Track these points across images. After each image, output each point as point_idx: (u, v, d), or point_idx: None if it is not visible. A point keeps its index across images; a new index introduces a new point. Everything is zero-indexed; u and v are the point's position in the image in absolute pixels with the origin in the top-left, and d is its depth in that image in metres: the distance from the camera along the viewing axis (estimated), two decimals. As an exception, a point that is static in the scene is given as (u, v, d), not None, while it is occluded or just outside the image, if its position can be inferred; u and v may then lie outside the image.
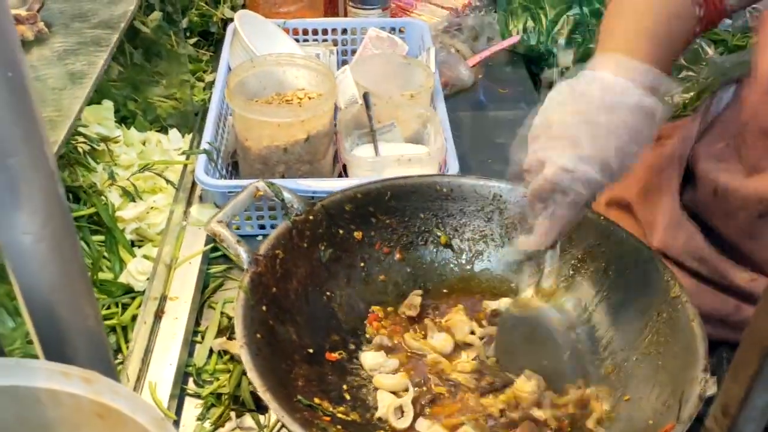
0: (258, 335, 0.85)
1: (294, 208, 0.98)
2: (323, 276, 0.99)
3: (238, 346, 0.81)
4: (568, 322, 0.94)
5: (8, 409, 0.55)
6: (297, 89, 1.28)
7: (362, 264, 1.03)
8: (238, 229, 1.22)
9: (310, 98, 1.25)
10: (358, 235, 1.03)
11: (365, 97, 1.29)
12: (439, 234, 1.07)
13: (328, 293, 0.99)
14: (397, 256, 1.05)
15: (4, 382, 0.53)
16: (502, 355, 0.95)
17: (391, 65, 1.41)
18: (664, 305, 0.89)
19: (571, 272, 1.01)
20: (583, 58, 1.78)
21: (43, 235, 0.57)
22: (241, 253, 0.90)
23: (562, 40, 1.74)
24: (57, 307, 0.60)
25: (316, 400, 0.85)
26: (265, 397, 0.76)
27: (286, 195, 0.98)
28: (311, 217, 0.98)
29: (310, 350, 0.92)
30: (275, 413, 0.76)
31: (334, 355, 0.94)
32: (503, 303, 1.01)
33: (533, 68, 1.81)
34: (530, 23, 1.77)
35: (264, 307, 0.88)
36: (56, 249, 0.58)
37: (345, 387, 0.91)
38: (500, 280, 1.06)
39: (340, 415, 0.86)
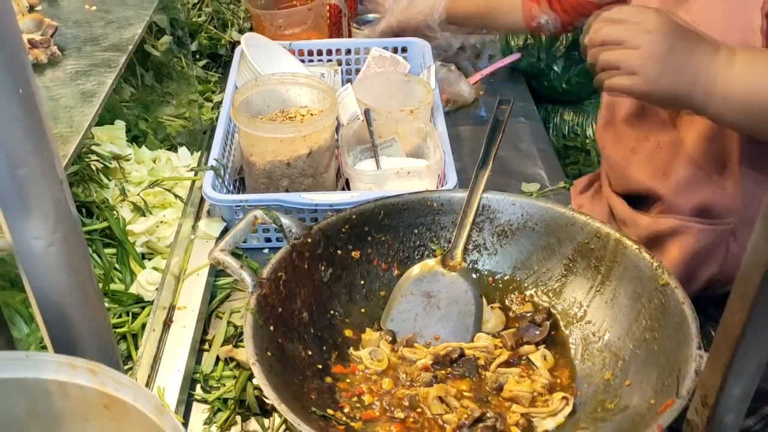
0: (268, 353, 0.88)
1: (293, 233, 1.02)
2: (326, 295, 1.03)
3: (249, 363, 0.84)
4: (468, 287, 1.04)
5: (19, 401, 0.59)
6: (300, 107, 1.32)
7: (362, 281, 1.07)
8: (245, 242, 1.26)
9: (312, 115, 1.29)
10: (355, 254, 1.07)
11: (366, 113, 1.33)
12: (434, 247, 1.10)
13: (331, 311, 1.03)
14: (396, 271, 1.09)
15: (14, 374, 0.57)
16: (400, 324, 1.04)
17: (391, 83, 1.45)
18: (655, 292, 0.93)
19: (564, 272, 1.05)
20: (580, 74, 1.82)
21: (53, 239, 0.61)
22: (246, 277, 0.94)
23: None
24: (67, 307, 0.64)
25: (330, 411, 0.89)
26: (281, 408, 0.79)
27: (284, 220, 1.02)
28: (309, 240, 1.02)
29: (319, 366, 0.96)
30: (293, 423, 0.78)
31: (342, 368, 0.97)
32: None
33: (533, 84, 1.85)
34: (530, 41, 1.82)
35: (271, 327, 0.92)
36: (66, 252, 0.63)
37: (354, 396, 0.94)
38: (494, 289, 1.09)
39: (353, 424, 0.89)
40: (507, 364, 0.98)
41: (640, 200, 1.21)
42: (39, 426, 0.60)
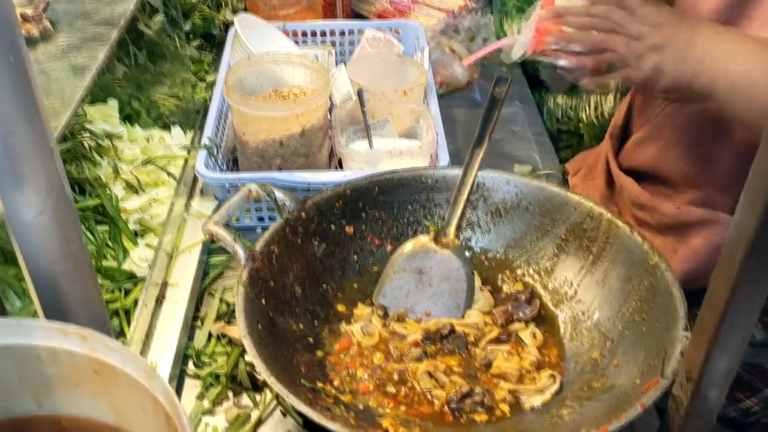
0: (259, 326, 0.89)
1: (286, 206, 1.02)
2: (318, 270, 1.04)
3: (241, 336, 0.85)
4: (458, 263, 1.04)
5: (11, 367, 0.59)
6: (293, 86, 1.32)
7: (355, 257, 1.08)
8: (237, 221, 1.26)
9: (305, 94, 1.29)
10: (349, 229, 1.07)
11: (359, 93, 1.33)
12: (427, 224, 1.11)
13: (324, 286, 1.04)
14: (389, 247, 1.09)
15: (6, 340, 0.57)
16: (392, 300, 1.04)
17: (385, 63, 1.45)
18: (645, 274, 0.94)
19: (556, 251, 1.06)
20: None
21: (44, 208, 0.62)
22: (239, 250, 0.95)
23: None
24: (58, 275, 0.65)
25: (319, 384, 0.90)
26: (270, 380, 0.80)
27: (278, 194, 1.02)
28: (303, 215, 1.02)
29: (310, 339, 0.97)
30: (282, 395, 0.79)
31: (334, 342, 0.98)
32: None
33: (528, 68, 1.85)
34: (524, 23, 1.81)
35: (263, 300, 0.93)
36: (56, 221, 0.63)
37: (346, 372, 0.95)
38: (486, 267, 1.10)
39: (342, 397, 0.90)
40: (496, 341, 0.99)
41: (655, 179, 1.14)
42: (30, 392, 0.60)
